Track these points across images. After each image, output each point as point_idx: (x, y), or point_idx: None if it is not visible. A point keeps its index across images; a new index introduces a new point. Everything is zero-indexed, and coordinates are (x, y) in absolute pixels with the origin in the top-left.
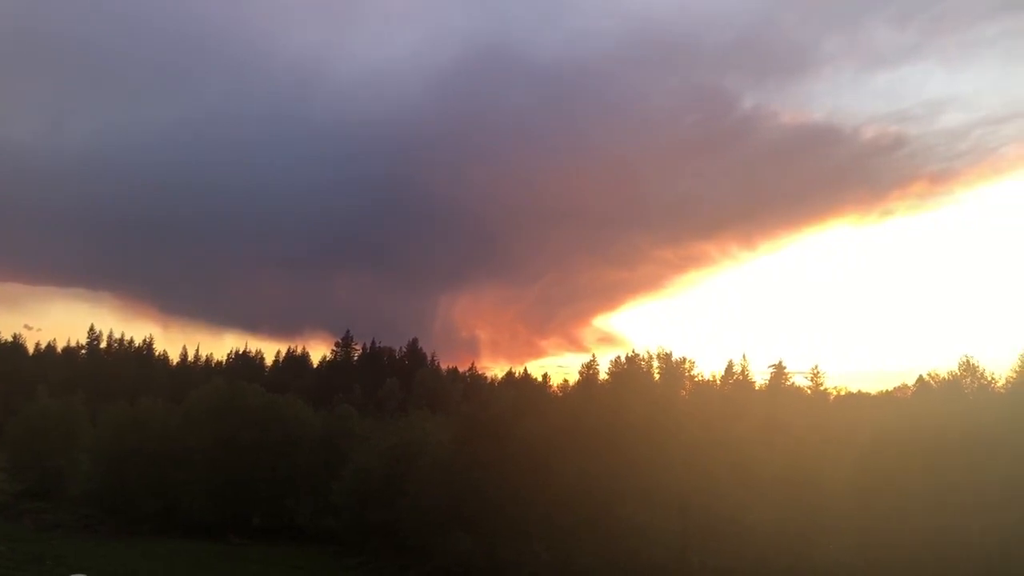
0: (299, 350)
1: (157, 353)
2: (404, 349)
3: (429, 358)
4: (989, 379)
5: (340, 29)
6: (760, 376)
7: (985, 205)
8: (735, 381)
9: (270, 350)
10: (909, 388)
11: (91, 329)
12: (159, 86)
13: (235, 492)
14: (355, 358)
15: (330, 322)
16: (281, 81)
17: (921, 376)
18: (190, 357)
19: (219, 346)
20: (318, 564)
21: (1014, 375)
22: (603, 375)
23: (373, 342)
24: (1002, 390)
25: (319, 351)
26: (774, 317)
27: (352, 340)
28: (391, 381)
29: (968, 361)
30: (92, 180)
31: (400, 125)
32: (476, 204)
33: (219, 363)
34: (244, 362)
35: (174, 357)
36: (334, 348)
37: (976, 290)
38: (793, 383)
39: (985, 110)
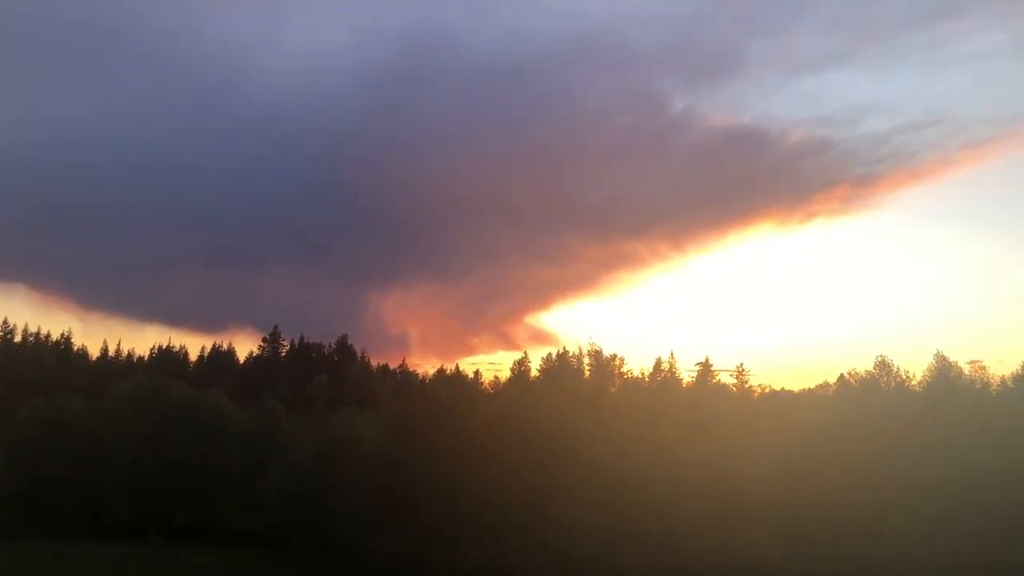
0: (225, 345)
1: (76, 347)
2: (333, 345)
3: (359, 354)
4: (905, 378)
5: (271, 19)
6: (687, 373)
7: (904, 209)
8: (663, 378)
9: (195, 345)
10: (830, 386)
11: (4, 322)
12: (77, 74)
13: (157, 491)
14: (283, 354)
15: (257, 317)
16: (208, 71)
17: (842, 374)
18: (111, 352)
19: (141, 340)
20: (245, 565)
21: (928, 374)
22: (534, 372)
23: (302, 338)
24: (917, 388)
25: (246, 347)
26: (702, 316)
27: (280, 335)
28: (320, 378)
29: (884, 360)
30: (6, 169)
31: (331, 118)
32: (408, 199)
33: (141, 358)
34: (167, 357)
35: (94, 352)
36: (261, 344)
37: (894, 292)
38: (719, 381)
39: (906, 116)
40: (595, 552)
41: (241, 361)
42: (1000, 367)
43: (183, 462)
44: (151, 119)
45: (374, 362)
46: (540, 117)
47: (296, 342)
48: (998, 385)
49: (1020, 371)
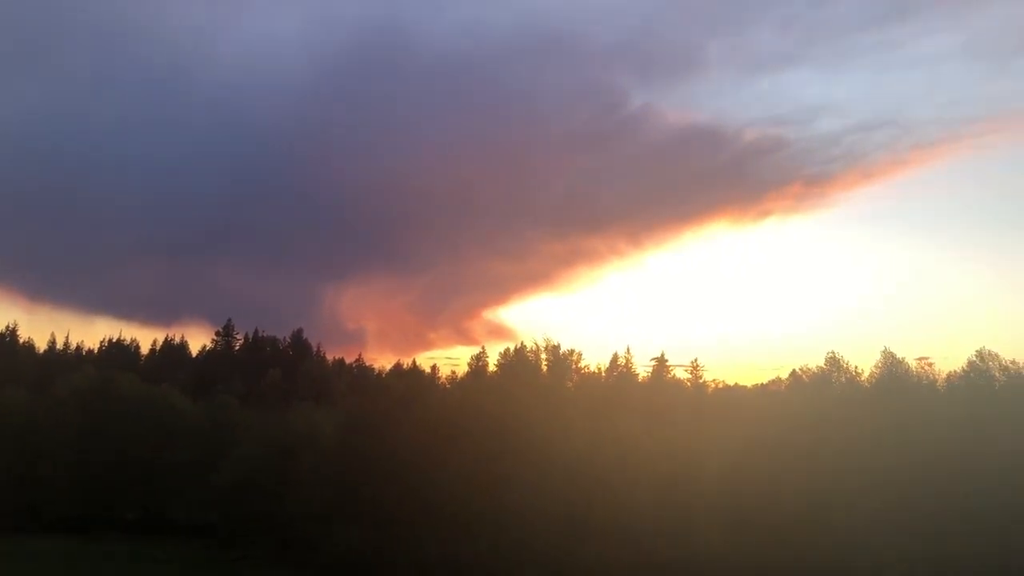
0: (177, 339)
1: (22, 340)
2: (288, 339)
3: (314, 349)
4: (855, 374)
5: (223, 6)
6: (643, 369)
7: (856, 209)
8: (619, 373)
9: (146, 338)
10: (783, 381)
11: None
12: (22, 59)
13: (105, 486)
14: (236, 348)
15: (210, 310)
16: (159, 58)
17: (794, 370)
18: (59, 344)
19: (91, 333)
20: (197, 560)
21: (877, 370)
22: (492, 367)
23: (256, 332)
24: (866, 384)
25: (199, 340)
26: (658, 312)
27: (234, 329)
28: (274, 372)
29: (835, 357)
30: None
31: (287, 109)
32: (365, 193)
33: (91, 351)
34: (118, 351)
35: (41, 344)
36: (214, 337)
37: (845, 290)
38: (674, 376)
39: (858, 117)
40: (553, 544)
41: (194, 355)
42: (946, 364)
43: (133, 456)
44: (100, 105)
45: (329, 356)
46: (498, 112)
47: (250, 336)
48: (944, 381)
49: (966, 368)
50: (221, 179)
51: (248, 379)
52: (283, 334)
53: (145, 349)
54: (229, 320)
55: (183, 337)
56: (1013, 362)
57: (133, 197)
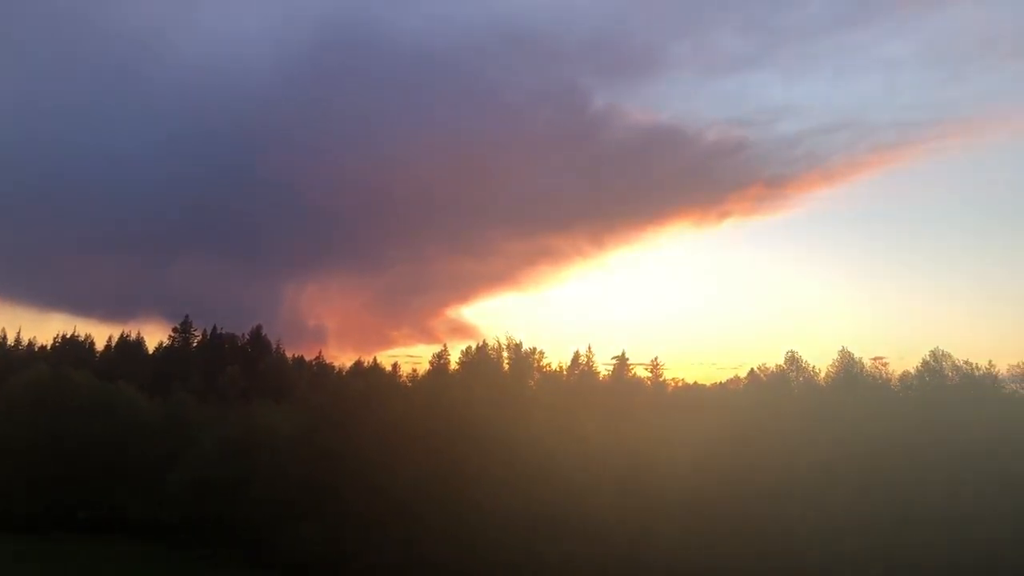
0: (133, 335)
1: None
2: (247, 336)
3: (274, 346)
4: (812, 373)
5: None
6: (604, 367)
7: (815, 210)
8: (581, 372)
9: (101, 334)
10: (741, 380)
11: None
12: None
13: (59, 485)
14: (194, 344)
15: (167, 306)
16: (117, 49)
17: (752, 369)
18: (10, 341)
19: (44, 329)
20: (154, 558)
21: (833, 369)
22: (454, 365)
23: (214, 328)
24: (823, 383)
25: (155, 336)
26: (620, 311)
27: (191, 325)
28: (233, 369)
29: (794, 356)
30: None
31: (247, 104)
32: (328, 189)
33: (44, 347)
34: (72, 347)
35: None
36: (172, 334)
37: (804, 290)
38: (635, 374)
39: (818, 119)
40: (514, 541)
41: (151, 351)
42: (901, 364)
43: (87, 454)
44: (57, 96)
45: (289, 354)
46: (464, 110)
47: (208, 332)
48: (898, 381)
49: (919, 368)
50: (181, 174)
51: (206, 376)
52: (242, 331)
53: (100, 345)
54: (187, 316)
55: (139, 333)
56: (966, 362)
57: (89, 191)
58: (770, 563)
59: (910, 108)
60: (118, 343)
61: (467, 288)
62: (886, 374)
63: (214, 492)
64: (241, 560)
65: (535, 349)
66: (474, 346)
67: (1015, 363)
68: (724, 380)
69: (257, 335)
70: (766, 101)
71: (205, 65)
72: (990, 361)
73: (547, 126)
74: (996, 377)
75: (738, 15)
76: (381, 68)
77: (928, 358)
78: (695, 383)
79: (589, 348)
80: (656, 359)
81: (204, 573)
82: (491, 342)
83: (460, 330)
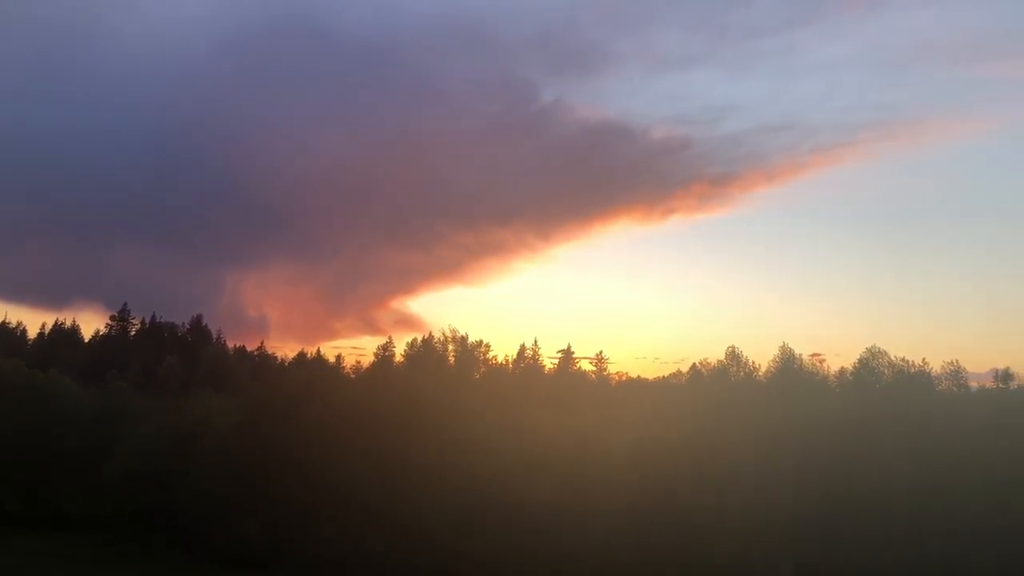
0: (68, 323)
1: None
2: (187, 325)
3: (215, 335)
4: (752, 368)
5: None
6: (550, 361)
7: (757, 209)
8: (526, 365)
9: (34, 322)
10: (683, 374)
11: None
12: None
13: None
14: (133, 333)
15: (104, 294)
16: (54, 28)
17: (694, 364)
18: None
19: None
20: (88, 551)
21: (773, 365)
22: (399, 357)
23: (153, 317)
24: (763, 378)
25: (92, 325)
26: (565, 305)
27: (129, 314)
28: (172, 359)
29: (734, 351)
30: None
31: (190, 89)
32: (271, 177)
33: None
34: (2, 334)
35: None
36: (109, 322)
37: (746, 287)
38: (580, 368)
39: (761, 119)
40: (456, 532)
41: (87, 340)
42: (838, 360)
43: (17, 445)
44: None
45: (230, 344)
46: (409, 101)
47: (147, 321)
48: (836, 376)
49: (856, 365)
50: (119, 158)
51: (145, 366)
52: (182, 320)
53: (33, 333)
54: (125, 304)
55: (75, 321)
56: (902, 359)
57: (23, 174)
58: (708, 551)
59: (851, 110)
60: (52, 331)
61: (412, 280)
62: (824, 370)
63: (151, 484)
64: (178, 553)
65: (481, 342)
66: (419, 338)
67: (949, 361)
68: (667, 375)
69: (198, 325)
70: (711, 99)
71: (148, 51)
72: (923, 359)
73: (494, 119)
74: (930, 375)
75: (685, 13)
76: (327, 57)
77: (865, 355)
78: (638, 377)
79: (535, 342)
80: (601, 353)
81: (138, 566)
82: (437, 335)
83: (405, 322)
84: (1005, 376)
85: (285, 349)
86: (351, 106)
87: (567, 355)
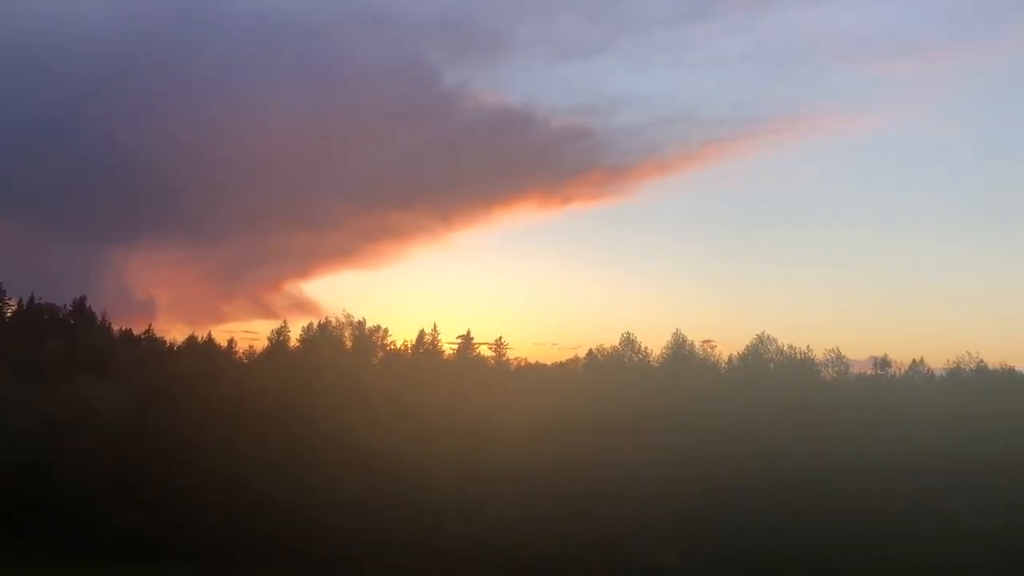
0: None
1: None
2: (69, 307)
3: (99, 318)
4: (646, 354)
5: None
6: (449, 346)
7: (652, 199)
8: (425, 350)
9: None
10: (580, 360)
11: None
12: None
13: None
14: (8, 315)
15: None
16: None
17: (591, 349)
18: None
19: None
20: None
21: (666, 351)
22: (294, 342)
23: (32, 298)
24: (656, 363)
25: None
26: (465, 290)
27: (6, 295)
28: (53, 342)
29: (629, 337)
30: None
31: (76, 63)
32: (160, 154)
33: None
34: None
35: None
36: None
37: (640, 275)
38: (479, 353)
39: (656, 111)
40: (351, 520)
41: None
42: (728, 347)
43: None
44: None
45: (116, 327)
46: (308, 79)
47: (25, 302)
48: (726, 362)
49: (745, 351)
50: None
51: (23, 350)
52: (64, 302)
53: None
54: (0, 285)
55: None
56: (790, 346)
57: None
58: (601, 536)
59: (742, 104)
60: None
61: (307, 263)
62: (715, 356)
63: (28, 475)
64: (58, 543)
65: (379, 327)
66: (315, 323)
67: (830, 348)
68: (564, 360)
69: (80, 306)
70: (609, 89)
71: (28, 20)
72: (808, 346)
73: (394, 102)
74: (814, 361)
75: (586, 1)
76: (223, 31)
77: (754, 341)
78: (537, 363)
79: (435, 327)
80: (500, 339)
81: (11, 563)
82: (333, 319)
83: (300, 306)
84: (883, 363)
85: (174, 332)
86: (247, 84)
87: (466, 340)
